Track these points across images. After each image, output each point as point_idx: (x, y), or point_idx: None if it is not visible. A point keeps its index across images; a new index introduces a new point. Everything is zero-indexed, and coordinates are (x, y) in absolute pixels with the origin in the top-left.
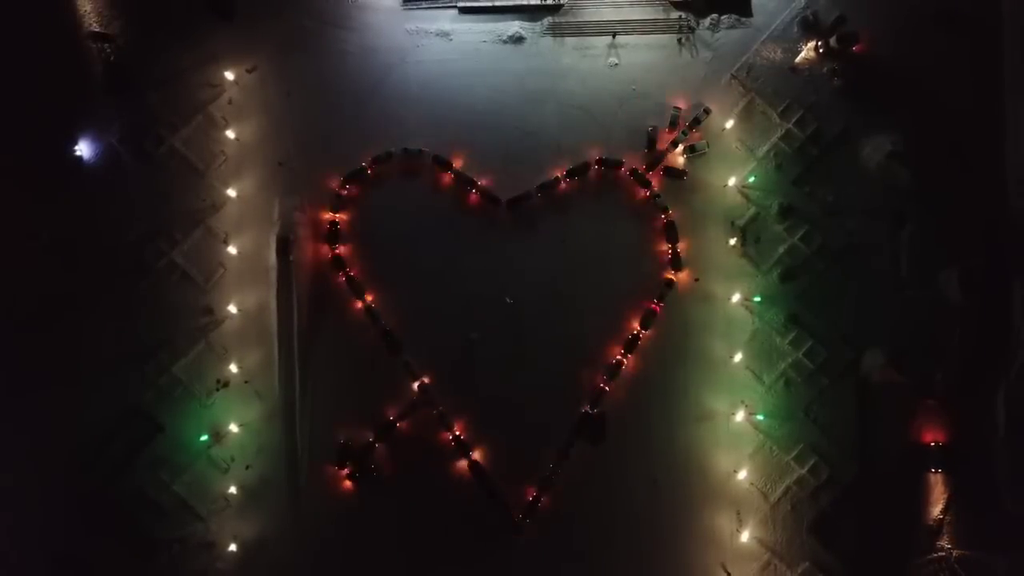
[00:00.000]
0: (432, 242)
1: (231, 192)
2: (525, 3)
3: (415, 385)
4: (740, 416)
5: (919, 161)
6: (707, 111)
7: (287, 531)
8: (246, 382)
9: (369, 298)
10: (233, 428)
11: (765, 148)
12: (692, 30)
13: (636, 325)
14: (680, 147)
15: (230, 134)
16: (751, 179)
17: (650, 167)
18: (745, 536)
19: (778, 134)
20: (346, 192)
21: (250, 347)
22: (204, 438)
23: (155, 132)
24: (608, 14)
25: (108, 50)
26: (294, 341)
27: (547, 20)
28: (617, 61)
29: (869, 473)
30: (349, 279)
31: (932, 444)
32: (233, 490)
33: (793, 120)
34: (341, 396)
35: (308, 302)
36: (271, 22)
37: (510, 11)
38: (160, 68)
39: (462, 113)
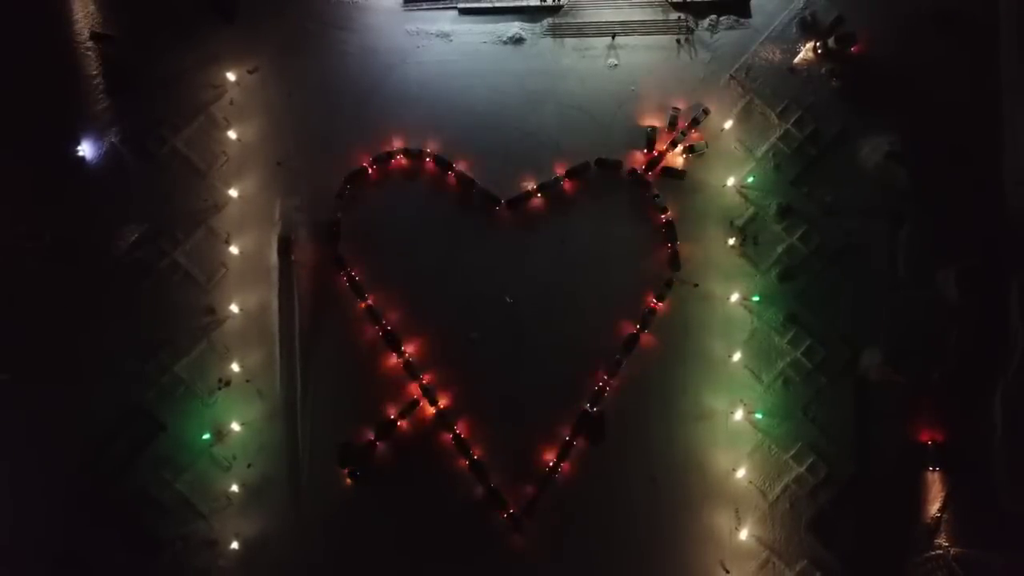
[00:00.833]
0: (432, 242)
1: (233, 192)
2: (525, 4)
3: (415, 384)
4: (739, 415)
5: (917, 161)
6: (706, 111)
7: (289, 529)
8: (248, 381)
9: (370, 298)
10: (235, 427)
11: (764, 148)
12: (691, 31)
13: (635, 325)
14: (679, 147)
15: (232, 134)
16: (750, 179)
17: (649, 167)
18: (744, 534)
19: (777, 134)
20: (347, 192)
21: (252, 346)
22: (206, 437)
23: (157, 132)
24: (608, 15)
25: (110, 51)
26: (295, 340)
27: (547, 21)
28: (616, 62)
29: (867, 472)
30: (350, 279)
31: (930, 443)
32: (235, 488)
33: (792, 120)
34: (342, 395)
35: (309, 302)
36: (272, 23)
37: (510, 12)
38: (162, 69)
39: (462, 114)
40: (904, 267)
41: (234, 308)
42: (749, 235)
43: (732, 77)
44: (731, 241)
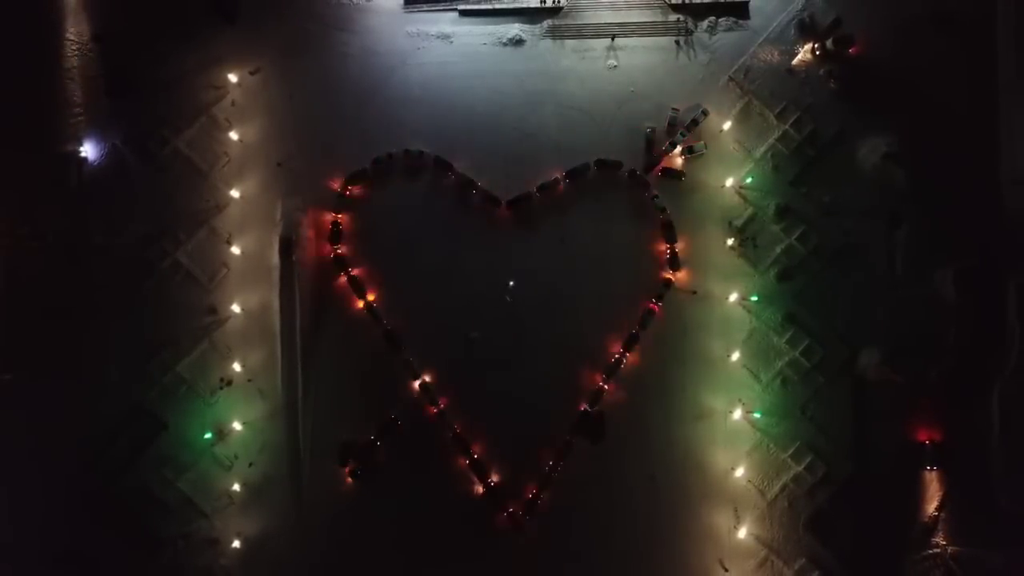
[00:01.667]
0: (433, 242)
1: (234, 193)
2: (525, 6)
3: (416, 384)
4: (738, 414)
5: (914, 162)
6: (705, 113)
7: (290, 527)
8: (249, 380)
9: (370, 297)
10: (236, 426)
11: (762, 149)
12: (690, 33)
13: (635, 324)
14: (678, 148)
15: (233, 136)
16: (748, 180)
17: (648, 168)
18: (742, 533)
19: (775, 135)
20: (348, 193)
21: (253, 346)
22: (208, 436)
23: (159, 134)
24: (607, 17)
25: (112, 52)
26: (297, 340)
27: (547, 23)
28: (616, 63)
29: (865, 470)
30: (351, 279)
31: (927, 442)
32: (236, 487)
33: (790, 122)
34: (343, 394)
35: (310, 301)
36: (274, 25)
37: (510, 14)
38: (164, 71)
39: (462, 115)
40: (902, 267)
41: (236, 308)
42: (748, 235)
43: (731, 78)
44: (730, 241)
